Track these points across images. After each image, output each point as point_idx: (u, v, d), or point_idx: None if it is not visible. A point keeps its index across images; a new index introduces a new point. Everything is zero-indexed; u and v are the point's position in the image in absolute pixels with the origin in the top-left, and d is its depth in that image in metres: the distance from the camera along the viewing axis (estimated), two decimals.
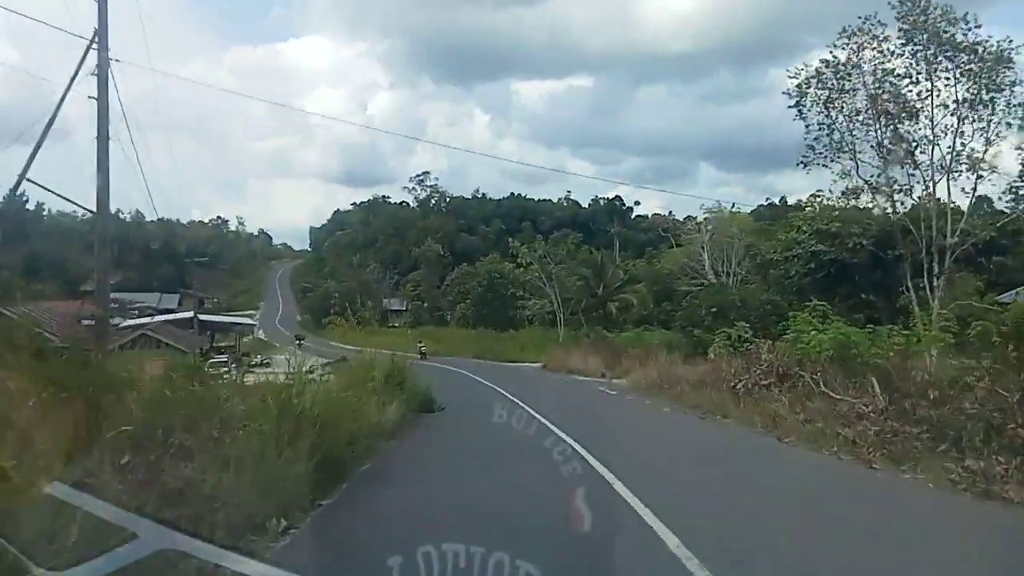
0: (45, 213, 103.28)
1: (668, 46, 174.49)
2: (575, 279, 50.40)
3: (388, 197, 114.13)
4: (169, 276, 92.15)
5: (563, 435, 11.99)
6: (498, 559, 3.52)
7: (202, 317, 43.48)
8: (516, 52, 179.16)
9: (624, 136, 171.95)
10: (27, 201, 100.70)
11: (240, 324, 50.82)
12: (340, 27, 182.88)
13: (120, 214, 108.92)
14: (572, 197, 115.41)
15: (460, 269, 70.97)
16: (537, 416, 14.40)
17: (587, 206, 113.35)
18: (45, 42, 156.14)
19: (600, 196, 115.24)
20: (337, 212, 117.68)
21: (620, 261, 63.52)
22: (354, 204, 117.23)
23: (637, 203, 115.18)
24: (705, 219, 41.89)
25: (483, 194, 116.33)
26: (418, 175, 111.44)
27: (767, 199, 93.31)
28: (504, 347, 42.25)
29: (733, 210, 43.18)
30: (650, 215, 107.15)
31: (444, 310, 69.70)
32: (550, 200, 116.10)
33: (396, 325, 69.31)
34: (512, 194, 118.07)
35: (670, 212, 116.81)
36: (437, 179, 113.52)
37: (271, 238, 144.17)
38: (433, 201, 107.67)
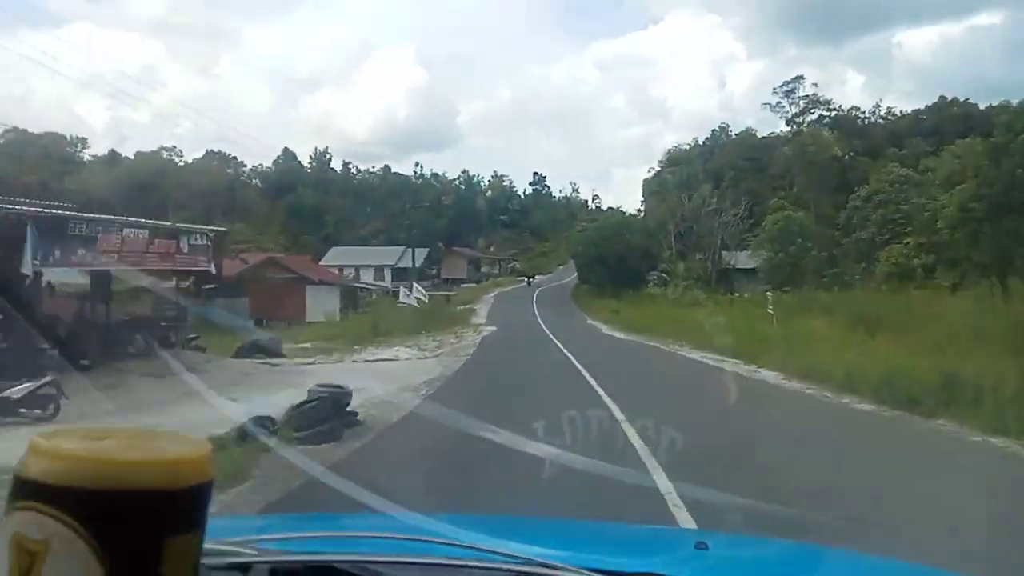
0: (352, 172, 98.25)
1: None
2: None
3: (753, 130, 78.70)
4: (450, 232, 79.64)
5: None
6: None
7: None
8: None
9: None
10: (330, 160, 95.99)
11: None
12: (694, 4, 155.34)
13: (417, 169, 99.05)
14: None
15: (884, 174, 34.07)
16: None
17: None
18: (444, 64, 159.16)
19: None
20: (670, 151, 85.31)
21: None
22: (694, 140, 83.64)
23: None
24: None
25: (887, 109, 74.48)
26: (787, 82, 72.87)
27: None
28: None
29: None
30: None
31: (845, 268, 34.04)
32: (1008, 103, 59.53)
33: (744, 295, 35.72)
34: (941, 98, 73.37)
35: None
36: (816, 85, 73.38)
37: (615, 206, 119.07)
38: (811, 118, 69.35)
